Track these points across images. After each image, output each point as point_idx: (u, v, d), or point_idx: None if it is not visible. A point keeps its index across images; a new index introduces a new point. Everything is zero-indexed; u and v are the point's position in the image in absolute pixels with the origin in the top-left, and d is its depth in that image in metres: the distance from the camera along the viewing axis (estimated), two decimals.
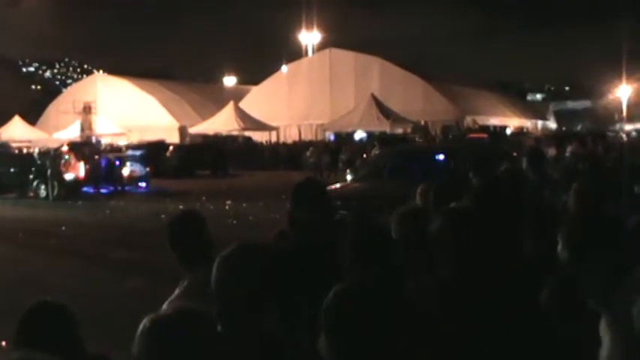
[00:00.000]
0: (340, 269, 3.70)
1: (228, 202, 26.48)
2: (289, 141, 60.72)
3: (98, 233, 20.32)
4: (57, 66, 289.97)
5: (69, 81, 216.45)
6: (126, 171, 33.59)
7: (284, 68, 74.05)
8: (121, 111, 66.91)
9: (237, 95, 70.49)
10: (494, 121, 68.03)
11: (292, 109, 67.67)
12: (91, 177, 31.38)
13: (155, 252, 13.92)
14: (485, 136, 42.82)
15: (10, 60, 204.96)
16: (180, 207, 22.36)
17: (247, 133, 58.96)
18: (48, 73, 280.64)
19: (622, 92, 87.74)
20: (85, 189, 31.33)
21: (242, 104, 65.14)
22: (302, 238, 4.53)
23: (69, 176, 30.62)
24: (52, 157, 31.96)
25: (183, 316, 2.38)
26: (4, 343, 8.63)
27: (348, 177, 23.99)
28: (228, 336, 2.64)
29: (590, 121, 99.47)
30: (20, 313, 3.43)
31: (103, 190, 32.04)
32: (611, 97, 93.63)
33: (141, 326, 2.33)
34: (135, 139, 56.73)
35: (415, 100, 63.00)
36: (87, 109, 61.91)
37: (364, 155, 34.93)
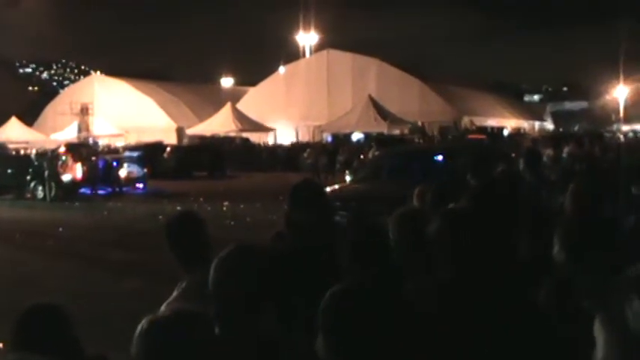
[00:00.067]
0: (337, 270, 3.70)
1: (226, 203, 26.48)
2: (286, 142, 60.71)
3: (95, 234, 20.31)
4: (54, 67, 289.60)
5: (66, 82, 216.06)
6: (123, 172, 33.55)
7: (281, 69, 74.09)
8: (119, 112, 66.87)
9: (234, 96, 70.50)
10: (492, 122, 68.10)
11: (290, 110, 67.68)
12: (89, 178, 31.35)
13: (153, 253, 13.93)
14: (484, 137, 42.88)
15: (8, 61, 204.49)
16: (178, 208, 22.37)
17: (245, 135, 58.93)
18: (45, 74, 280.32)
19: (619, 93, 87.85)
20: (82, 190, 31.32)
21: (239, 105, 65.16)
22: (299, 239, 4.53)
23: (66, 177, 30.60)
24: (49, 159, 31.95)
25: (181, 317, 2.38)
26: (1, 344, 8.63)
27: (347, 178, 24.03)
28: (225, 337, 2.64)
29: (587, 121, 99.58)
30: (17, 314, 3.43)
31: (100, 192, 32.03)
32: (608, 97, 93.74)
33: (139, 328, 2.34)
34: (132, 140, 56.76)
35: (412, 101, 63.05)
36: (84, 111, 61.90)
37: (361, 156, 34.97)
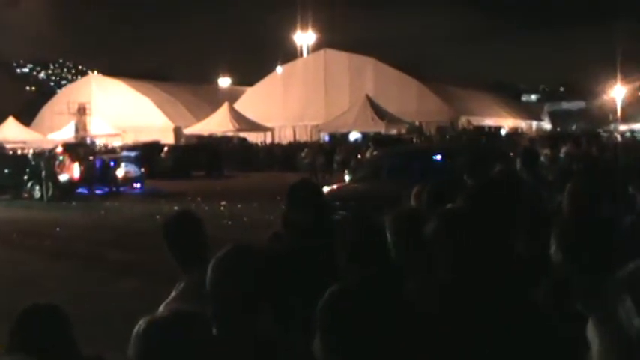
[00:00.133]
0: (335, 270, 3.70)
1: (223, 203, 26.47)
2: (284, 142, 60.70)
3: (93, 234, 20.30)
4: (51, 67, 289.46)
5: (63, 82, 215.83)
6: (120, 172, 33.53)
7: (279, 69, 74.07)
8: (116, 112, 66.85)
9: (231, 96, 70.47)
10: (489, 121, 68.19)
11: (287, 110, 67.68)
12: (86, 178, 31.32)
13: (150, 253, 13.94)
14: (482, 137, 42.99)
15: (5, 61, 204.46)
16: (175, 208, 22.37)
17: (242, 134, 58.93)
18: (42, 74, 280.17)
19: (616, 93, 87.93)
20: (79, 190, 31.30)
21: (237, 105, 65.11)
22: (296, 239, 4.53)
23: (63, 177, 30.58)
24: (46, 158, 31.94)
25: (179, 318, 2.38)
26: None
27: (347, 178, 24.07)
28: (223, 337, 2.64)
29: (584, 121, 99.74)
30: (15, 314, 3.43)
31: (97, 191, 32.01)
32: (605, 97, 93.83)
33: (136, 328, 2.34)
34: (129, 140, 56.73)
35: (410, 100, 63.05)
36: (81, 110, 61.83)
37: (359, 156, 34.99)
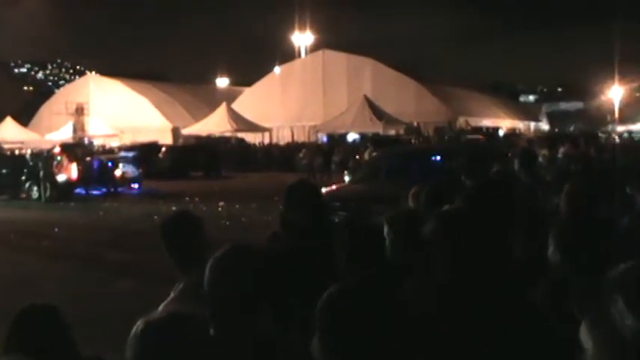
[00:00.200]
0: (333, 271, 3.70)
1: (221, 203, 26.46)
2: (282, 142, 60.70)
3: (91, 235, 20.29)
4: (49, 67, 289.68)
5: (61, 82, 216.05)
6: (118, 172, 33.53)
7: (277, 69, 74.06)
8: (114, 112, 66.82)
9: (229, 96, 70.43)
10: (487, 122, 68.22)
11: (285, 110, 67.67)
12: (84, 178, 31.31)
13: (148, 253, 13.94)
14: (481, 137, 43.02)
15: (3, 61, 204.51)
16: (173, 208, 22.36)
17: (240, 135, 58.91)
18: (40, 74, 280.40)
19: (614, 94, 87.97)
20: (77, 190, 31.27)
21: (235, 105, 65.09)
22: (294, 239, 4.53)
23: (61, 178, 30.55)
24: (44, 159, 31.92)
25: (176, 319, 2.38)
26: None
27: (346, 178, 24.12)
28: (220, 338, 2.65)
29: (582, 122, 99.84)
30: (13, 315, 3.43)
31: (95, 192, 31.99)
32: (603, 98, 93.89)
33: (133, 329, 2.34)
34: (127, 140, 56.71)
35: (408, 101, 63.07)
36: (79, 111, 61.80)
37: (357, 157, 34.99)
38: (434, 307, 3.14)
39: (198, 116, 65.03)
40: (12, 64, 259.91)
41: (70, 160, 31.18)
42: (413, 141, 45.82)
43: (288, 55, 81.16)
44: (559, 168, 15.83)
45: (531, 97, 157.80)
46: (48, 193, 30.07)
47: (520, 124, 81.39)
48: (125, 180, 33.95)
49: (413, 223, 3.93)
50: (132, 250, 17.13)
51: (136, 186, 34.38)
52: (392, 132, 53.41)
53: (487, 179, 7.19)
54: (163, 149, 46.90)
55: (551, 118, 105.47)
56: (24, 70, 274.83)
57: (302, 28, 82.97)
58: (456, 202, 4.48)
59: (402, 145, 36.64)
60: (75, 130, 59.41)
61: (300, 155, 42.59)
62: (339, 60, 69.71)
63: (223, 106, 59.55)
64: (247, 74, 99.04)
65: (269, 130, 63.03)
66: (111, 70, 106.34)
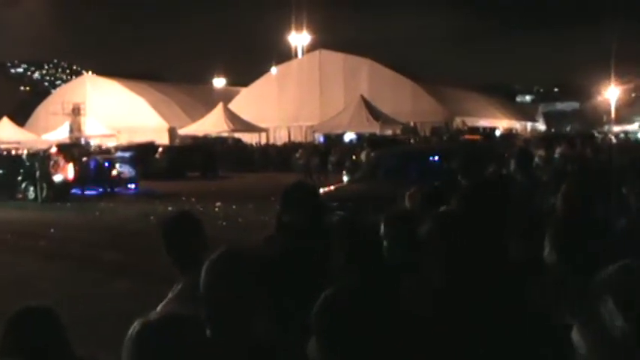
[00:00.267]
0: (330, 272, 3.70)
1: (218, 203, 26.45)
2: (279, 143, 60.70)
3: (87, 235, 20.26)
4: (46, 67, 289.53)
5: (58, 82, 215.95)
6: (115, 172, 33.50)
7: (273, 70, 74.09)
8: (110, 112, 66.75)
9: (226, 97, 70.44)
10: (484, 122, 68.24)
11: (282, 110, 67.69)
12: (80, 179, 31.27)
13: (144, 253, 13.95)
14: (478, 137, 43.04)
15: None
16: (170, 208, 22.35)
17: (237, 135, 58.90)
18: (37, 74, 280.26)
19: (610, 94, 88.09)
20: (73, 191, 31.24)
21: (231, 106, 65.09)
22: (291, 240, 4.53)
23: (58, 178, 30.51)
24: (40, 159, 31.85)
25: (172, 320, 2.37)
26: None
27: (345, 178, 24.16)
28: (216, 340, 2.64)
29: (578, 122, 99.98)
30: (8, 315, 3.42)
31: (92, 192, 31.96)
32: (599, 98, 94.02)
33: (130, 331, 2.33)
34: (124, 140, 56.67)
35: (404, 101, 63.11)
36: (76, 111, 61.78)
37: (354, 157, 34.99)
38: (430, 308, 3.14)
39: (194, 116, 65.00)
40: (8, 64, 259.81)
41: (67, 161, 31.14)
42: (411, 141, 45.82)
43: (284, 55, 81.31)
44: (555, 168, 15.84)
45: (528, 98, 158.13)
46: (44, 194, 30.03)
47: (517, 125, 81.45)
48: (122, 180, 33.93)
49: (409, 224, 3.93)
50: (128, 251, 17.11)
51: (132, 186, 34.36)
52: (389, 132, 53.44)
53: (483, 179, 7.20)
54: (160, 149, 46.86)
55: (548, 119, 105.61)
56: (20, 70, 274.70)
57: (299, 28, 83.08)
58: (451, 203, 4.49)
59: (400, 145, 36.62)
60: (71, 131, 59.36)
61: (297, 155, 42.58)
62: (335, 60, 69.74)
63: (220, 107, 59.52)
64: (244, 74, 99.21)
65: (266, 130, 63.03)
66: (107, 70, 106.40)
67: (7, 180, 31.07)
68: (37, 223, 23.15)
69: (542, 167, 15.05)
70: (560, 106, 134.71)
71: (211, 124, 58.20)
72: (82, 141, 55.23)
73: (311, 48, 78.44)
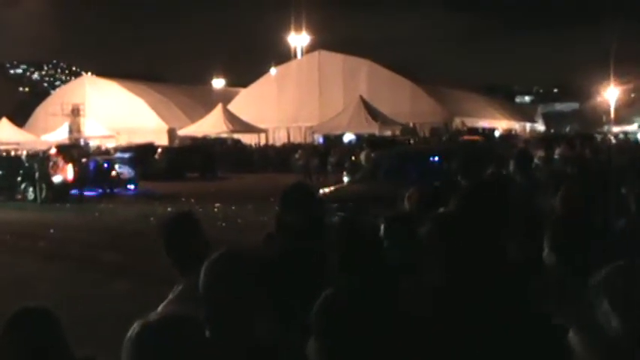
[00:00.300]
0: (329, 273, 3.70)
1: (217, 204, 26.44)
2: (278, 143, 60.69)
3: (86, 236, 20.26)
4: (45, 68, 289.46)
5: (57, 83, 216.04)
6: (114, 173, 33.49)
7: (273, 70, 74.09)
8: (110, 113, 66.73)
9: (225, 97, 70.42)
10: (483, 123, 68.26)
11: (281, 111, 67.68)
12: (80, 179, 31.25)
13: (144, 254, 13.95)
14: (478, 138, 43.05)
15: None
16: (169, 209, 22.34)
17: (236, 136, 58.88)
18: (36, 75, 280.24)
19: (610, 94, 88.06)
20: (73, 191, 31.22)
21: (231, 106, 65.09)
22: (289, 241, 4.52)
23: (57, 179, 30.49)
24: (40, 160, 31.88)
25: (172, 321, 2.37)
26: None
27: (345, 179, 24.20)
28: (216, 341, 2.64)
29: (578, 123, 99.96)
30: (7, 316, 3.42)
31: (91, 193, 31.94)
32: (599, 99, 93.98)
33: (129, 332, 2.33)
34: (123, 141, 56.68)
35: (403, 102, 63.12)
36: (75, 112, 61.73)
37: (353, 158, 34.97)
38: (429, 309, 3.14)
39: (194, 117, 65.01)
40: (7, 65, 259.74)
41: (66, 162, 31.12)
42: (412, 142, 45.79)
43: (284, 56, 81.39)
44: (554, 169, 15.82)
45: (527, 98, 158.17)
46: (44, 194, 30.03)
47: (516, 125, 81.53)
48: (121, 181, 33.92)
49: (408, 225, 3.93)
50: (127, 252, 17.11)
51: (131, 187, 34.34)
52: (388, 133, 53.40)
53: (481, 180, 7.19)
54: (159, 150, 46.84)
55: (547, 119, 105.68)
56: (20, 70, 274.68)
57: (298, 28, 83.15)
58: (450, 204, 4.48)
59: (400, 146, 36.64)
60: (71, 131, 59.33)
61: (296, 156, 42.54)
62: (334, 61, 69.76)
63: (219, 107, 59.52)
64: (243, 75, 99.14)
65: (265, 131, 63.03)
66: (107, 70, 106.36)
67: (6, 181, 31.10)
68: (36, 223, 23.15)
69: (542, 168, 15.03)
70: (560, 106, 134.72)
71: (210, 125, 58.18)
72: (82, 142, 55.22)
73: (310, 49, 78.59)
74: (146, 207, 26.33)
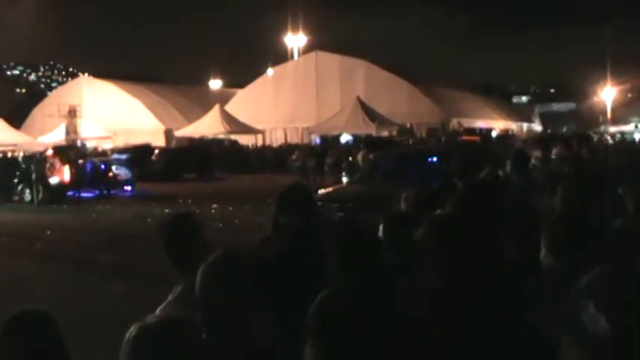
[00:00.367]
0: (326, 274, 3.70)
1: (214, 205, 26.43)
2: (275, 144, 60.68)
3: (83, 237, 20.24)
4: (42, 69, 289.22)
5: (54, 84, 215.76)
6: (111, 174, 33.46)
7: (270, 71, 74.06)
8: (107, 114, 66.71)
9: (222, 98, 70.36)
10: (480, 123, 68.24)
11: (278, 112, 67.67)
12: (76, 181, 31.21)
13: (141, 256, 13.94)
14: (476, 138, 43.07)
15: None
16: (166, 210, 22.35)
17: (233, 137, 58.87)
18: (33, 76, 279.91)
19: (607, 94, 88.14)
20: (70, 193, 31.18)
21: (228, 107, 65.05)
22: (286, 242, 4.52)
23: (54, 180, 30.45)
24: (37, 161, 31.82)
25: (170, 324, 2.36)
26: None
27: (344, 179, 24.26)
28: (213, 343, 2.63)
29: (575, 123, 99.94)
30: (4, 319, 3.41)
31: (88, 194, 31.91)
32: (596, 99, 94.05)
33: (127, 335, 2.32)
34: (120, 142, 56.65)
35: (401, 102, 63.10)
36: (72, 113, 61.67)
37: (350, 158, 34.97)
38: (427, 310, 3.14)
39: (191, 118, 64.98)
40: (4, 66, 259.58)
41: (63, 163, 31.08)
42: (410, 142, 45.79)
43: (280, 56, 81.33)
44: (551, 169, 15.83)
45: (524, 98, 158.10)
46: (40, 196, 30.00)
47: (513, 125, 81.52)
48: (118, 182, 33.88)
49: (405, 226, 3.93)
50: (125, 253, 17.10)
51: (128, 188, 34.30)
52: (385, 133, 53.41)
53: (478, 182, 7.20)
54: (156, 151, 46.79)
55: (544, 119, 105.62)
56: (16, 72, 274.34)
57: (295, 29, 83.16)
58: (447, 205, 4.49)
59: (399, 147, 36.66)
60: (67, 133, 59.26)
61: (294, 157, 42.52)
62: (331, 61, 69.73)
63: (216, 108, 59.51)
64: (240, 76, 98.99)
65: (262, 131, 63.03)
66: (103, 72, 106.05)
67: (3, 182, 31.05)
68: (33, 225, 23.12)
69: (539, 168, 15.03)
70: (557, 106, 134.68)
71: (207, 126, 58.17)
72: (78, 143, 55.19)
73: (307, 49, 78.52)
74: (143, 208, 26.31)
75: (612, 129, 74.09)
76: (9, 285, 13.60)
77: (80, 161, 33.06)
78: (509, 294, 3.27)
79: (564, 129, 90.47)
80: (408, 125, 57.87)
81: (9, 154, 40.49)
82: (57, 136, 58.52)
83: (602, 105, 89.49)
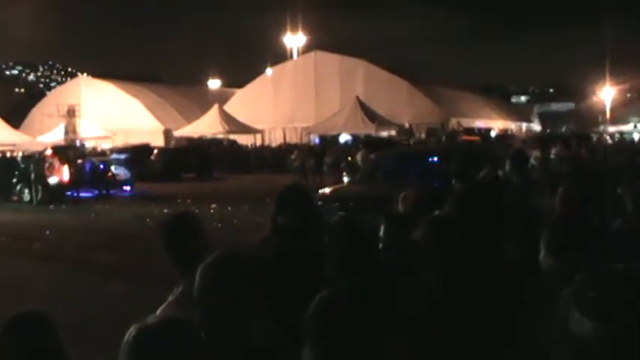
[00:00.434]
0: (325, 274, 3.69)
1: (213, 205, 26.41)
2: (274, 144, 60.66)
3: (82, 237, 20.22)
4: (41, 69, 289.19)
5: (53, 84, 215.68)
6: (110, 174, 33.44)
7: (269, 71, 74.02)
8: (106, 114, 66.67)
9: (221, 98, 70.33)
10: (479, 123, 68.21)
11: (277, 112, 67.65)
12: (75, 181, 31.18)
13: (140, 255, 13.93)
14: (477, 138, 43.08)
15: None
16: (165, 210, 22.33)
17: (232, 136, 58.86)
18: (32, 76, 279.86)
19: (606, 94, 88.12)
20: (69, 193, 31.16)
21: (227, 107, 65.05)
22: (285, 242, 4.52)
23: (53, 180, 30.42)
24: (35, 161, 31.78)
25: (169, 325, 2.36)
26: None
27: (345, 179, 24.30)
28: (211, 343, 2.63)
29: (574, 123, 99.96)
30: (2, 320, 3.40)
31: (87, 194, 31.89)
32: (595, 99, 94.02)
33: (126, 335, 2.31)
34: (119, 142, 56.62)
35: (400, 102, 63.06)
36: (71, 113, 61.60)
37: (349, 158, 34.98)
38: (426, 310, 3.13)
39: (190, 118, 64.98)
40: (3, 66, 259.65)
41: (62, 163, 31.05)
42: (411, 142, 45.79)
43: (280, 56, 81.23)
44: (550, 169, 15.82)
45: (523, 98, 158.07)
46: (39, 196, 29.97)
47: (512, 125, 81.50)
48: (117, 182, 33.85)
49: (404, 227, 3.92)
50: (123, 253, 17.09)
51: (127, 188, 34.28)
52: (384, 133, 53.44)
53: (477, 182, 7.19)
54: (155, 151, 46.76)
55: (543, 119, 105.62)
56: (15, 71, 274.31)
57: (294, 29, 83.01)
58: (446, 205, 4.48)
59: (399, 147, 36.69)
60: (66, 132, 59.23)
61: (292, 157, 42.52)
62: (331, 61, 69.68)
63: (215, 108, 59.51)
64: (239, 76, 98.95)
65: (261, 131, 63.02)
66: (102, 71, 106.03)
67: (2, 182, 31.02)
68: (32, 225, 23.11)
69: (538, 168, 15.03)
70: (556, 106, 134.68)
71: (206, 126, 58.19)
72: (77, 143, 55.14)
73: (306, 49, 78.41)
74: (142, 208, 26.31)
75: (611, 129, 74.09)
76: (8, 285, 13.59)
77: (79, 161, 33.05)
78: (509, 294, 3.27)
79: (563, 129, 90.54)
80: (407, 125, 57.85)
81: (8, 154, 40.47)
82: (56, 135, 58.48)
83: (601, 105, 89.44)
